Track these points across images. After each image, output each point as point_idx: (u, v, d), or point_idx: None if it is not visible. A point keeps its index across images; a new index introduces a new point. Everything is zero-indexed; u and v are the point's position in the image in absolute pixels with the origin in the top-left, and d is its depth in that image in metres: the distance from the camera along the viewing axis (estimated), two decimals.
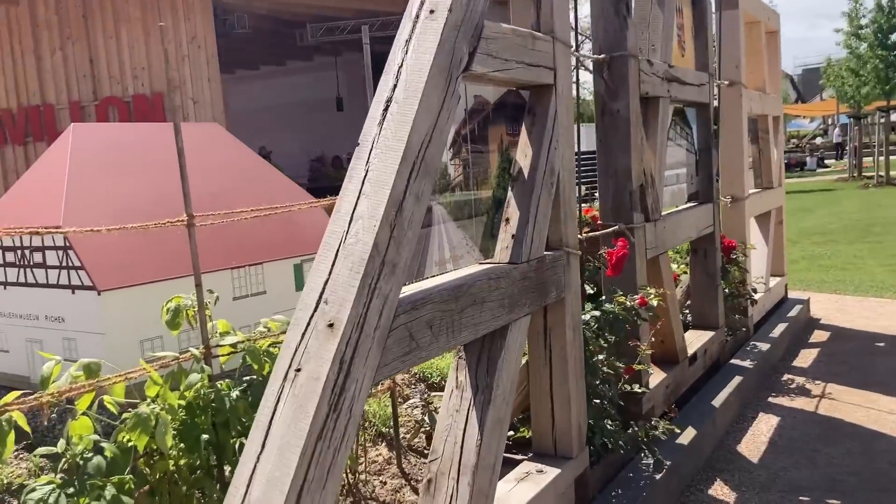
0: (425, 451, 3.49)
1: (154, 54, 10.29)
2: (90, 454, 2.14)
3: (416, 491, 3.20)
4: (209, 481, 2.52)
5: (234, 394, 2.61)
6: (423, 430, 3.54)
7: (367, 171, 2.10)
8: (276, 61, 16.74)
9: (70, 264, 3.25)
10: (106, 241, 3.20)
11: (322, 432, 1.80)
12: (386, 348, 2.03)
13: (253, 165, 4.25)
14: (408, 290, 2.20)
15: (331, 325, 1.89)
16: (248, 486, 1.76)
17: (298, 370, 1.86)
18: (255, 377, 2.73)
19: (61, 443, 2.13)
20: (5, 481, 2.99)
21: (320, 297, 1.94)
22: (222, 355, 2.79)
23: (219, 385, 2.60)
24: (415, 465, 3.36)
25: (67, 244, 3.22)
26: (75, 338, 3.28)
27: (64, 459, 2.12)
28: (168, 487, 2.43)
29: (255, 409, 2.71)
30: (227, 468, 2.66)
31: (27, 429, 2.10)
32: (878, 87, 23.38)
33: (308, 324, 1.91)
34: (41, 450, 2.19)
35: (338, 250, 1.99)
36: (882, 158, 23.96)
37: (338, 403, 1.85)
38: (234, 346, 2.75)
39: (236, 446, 2.58)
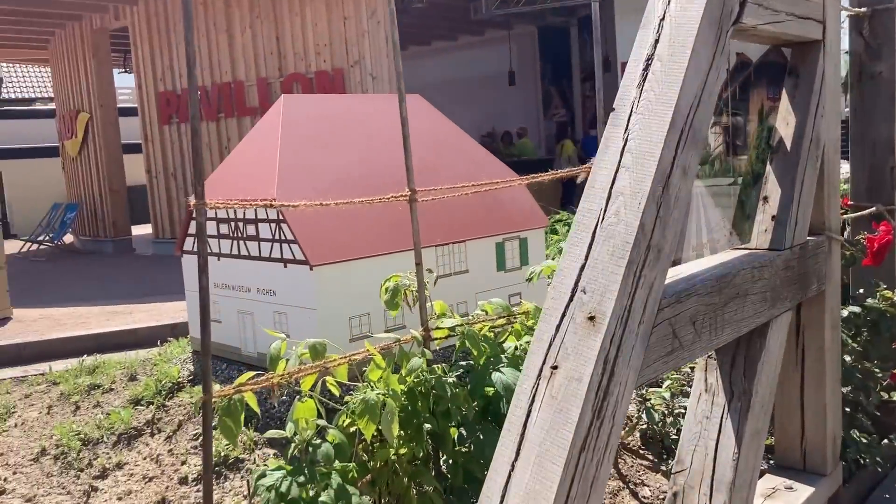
0: (640, 451, 3.20)
1: (335, 31, 10.46)
2: (317, 440, 2.03)
3: (635, 495, 2.91)
4: (427, 473, 2.37)
5: (450, 379, 2.44)
6: (638, 427, 3.24)
7: (626, 139, 1.82)
8: (448, 36, 16.69)
9: (283, 238, 3.21)
10: (317, 215, 3.13)
11: (585, 442, 1.56)
12: (649, 347, 1.75)
13: (455, 139, 4.08)
14: (668, 279, 1.91)
15: (591, 318, 1.64)
16: (502, 496, 1.55)
17: (555, 367, 1.63)
18: (471, 363, 2.55)
19: (290, 427, 2.03)
20: (222, 454, 3.01)
21: (576, 284, 1.69)
22: (438, 338, 2.63)
23: (436, 370, 2.44)
24: (631, 465, 3.07)
25: (280, 217, 3.18)
26: (286, 312, 3.25)
27: (293, 445, 2.02)
28: (388, 477, 2.29)
29: (474, 397, 2.54)
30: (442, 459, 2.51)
31: (257, 409, 2.02)
32: None
33: (563, 315, 1.67)
34: (271, 432, 2.12)
35: (594, 231, 1.73)
36: None
37: (601, 409, 1.60)
38: (451, 328, 2.58)
39: (455, 437, 2.41)
